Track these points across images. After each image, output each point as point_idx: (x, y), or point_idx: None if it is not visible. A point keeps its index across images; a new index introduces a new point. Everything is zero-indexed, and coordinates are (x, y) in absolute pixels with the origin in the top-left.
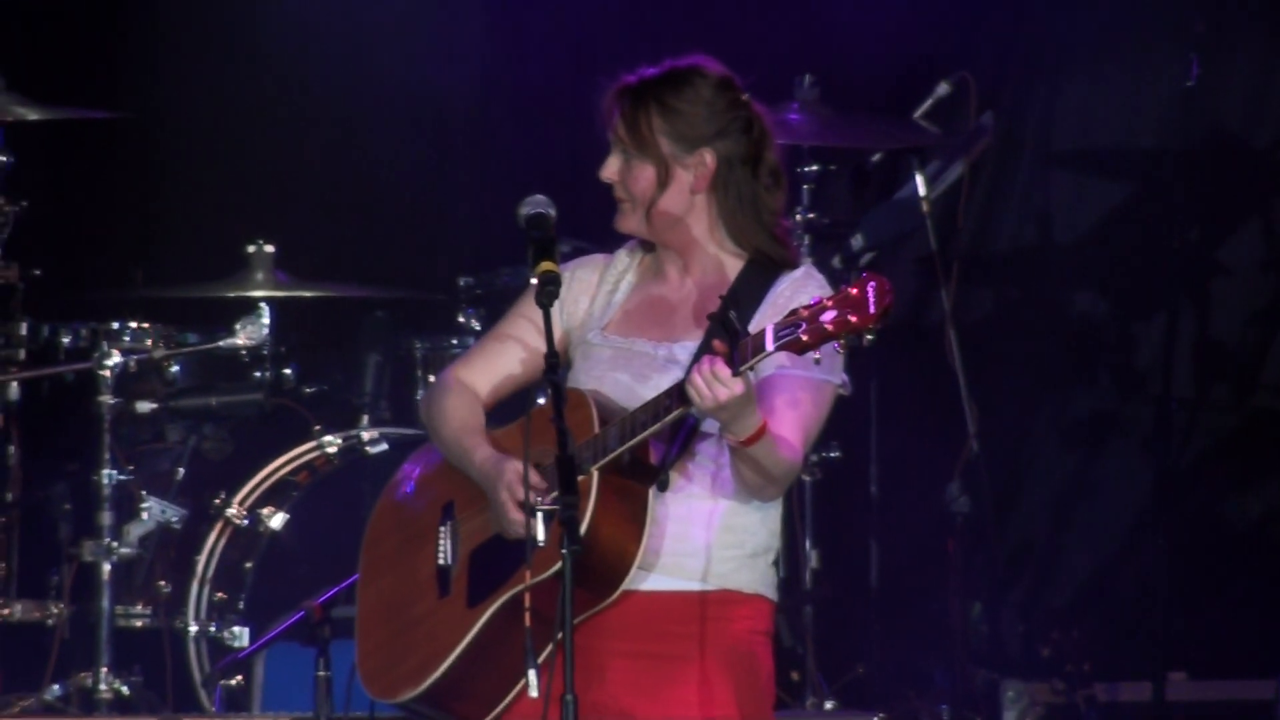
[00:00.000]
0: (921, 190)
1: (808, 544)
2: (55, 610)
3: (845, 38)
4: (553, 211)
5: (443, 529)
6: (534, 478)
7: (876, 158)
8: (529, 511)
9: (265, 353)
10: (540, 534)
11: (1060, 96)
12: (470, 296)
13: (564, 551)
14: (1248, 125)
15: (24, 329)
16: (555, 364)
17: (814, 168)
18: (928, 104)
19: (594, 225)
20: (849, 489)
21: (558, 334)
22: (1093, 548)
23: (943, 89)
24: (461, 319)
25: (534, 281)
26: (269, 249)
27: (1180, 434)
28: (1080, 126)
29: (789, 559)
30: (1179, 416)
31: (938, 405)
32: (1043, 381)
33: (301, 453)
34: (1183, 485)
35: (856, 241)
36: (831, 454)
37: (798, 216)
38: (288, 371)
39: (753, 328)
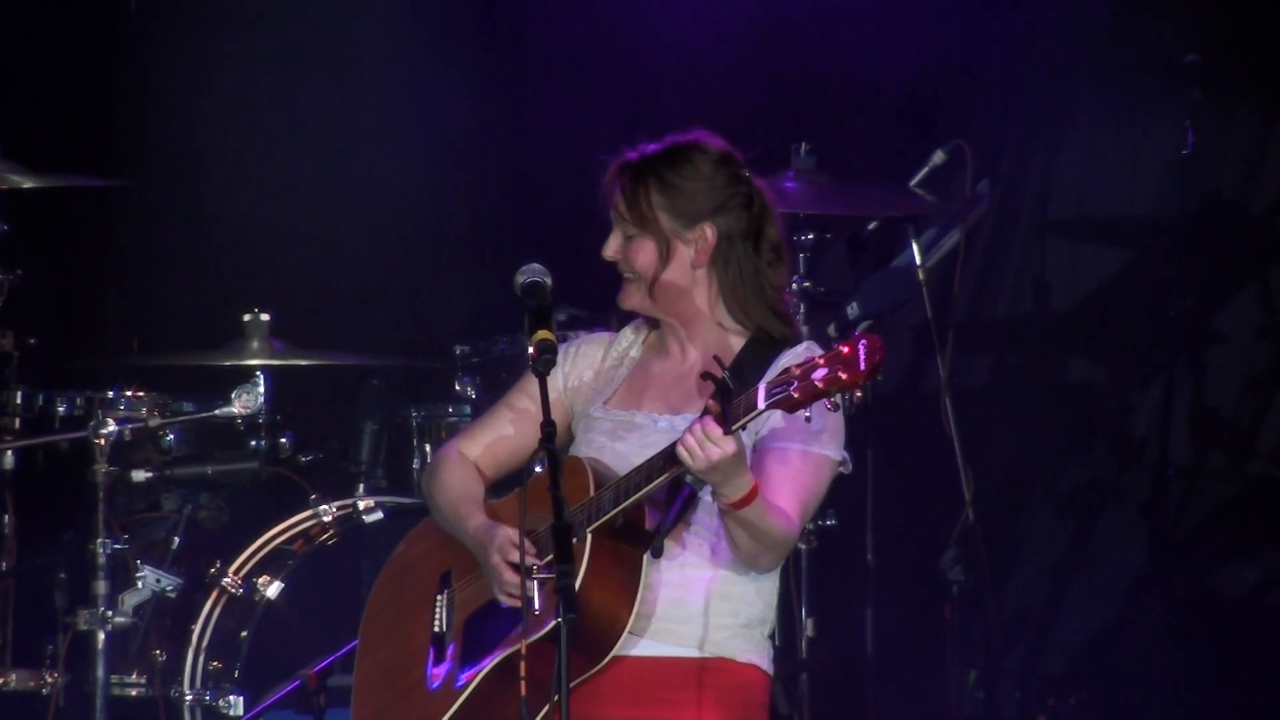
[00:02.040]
0: (917, 258)
1: (803, 612)
2: (50, 679)
3: (841, 106)
4: (549, 280)
5: (440, 597)
6: (527, 545)
7: (872, 226)
8: (525, 573)
9: (261, 421)
10: (535, 599)
11: (1056, 164)
12: (467, 364)
13: (559, 620)
14: (1243, 193)
15: (19, 397)
16: (552, 432)
17: (810, 236)
18: (923, 172)
19: (591, 293)
20: (845, 557)
21: (561, 410)
22: (1089, 615)
23: (938, 157)
24: (458, 387)
25: (530, 350)
26: (265, 317)
27: (1177, 501)
28: (1076, 194)
29: (784, 627)
30: (1175, 484)
31: (934, 473)
32: (1039, 449)
33: (297, 521)
34: (1179, 553)
35: (852, 310)
36: (827, 522)
37: (793, 285)
38: (284, 440)
39: None
